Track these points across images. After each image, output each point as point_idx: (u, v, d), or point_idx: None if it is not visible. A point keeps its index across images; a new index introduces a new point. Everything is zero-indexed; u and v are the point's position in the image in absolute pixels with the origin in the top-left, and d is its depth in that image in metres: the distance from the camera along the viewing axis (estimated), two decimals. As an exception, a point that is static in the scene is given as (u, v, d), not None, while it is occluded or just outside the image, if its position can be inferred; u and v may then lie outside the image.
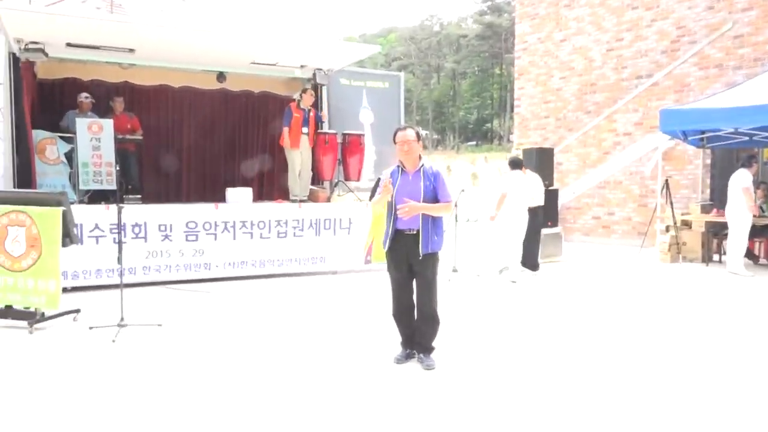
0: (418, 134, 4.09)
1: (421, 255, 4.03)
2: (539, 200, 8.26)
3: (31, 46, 7.46)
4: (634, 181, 12.39)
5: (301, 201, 8.57)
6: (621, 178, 12.60)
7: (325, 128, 9.08)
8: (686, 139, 9.82)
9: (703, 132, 9.58)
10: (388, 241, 4.11)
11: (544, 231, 9.44)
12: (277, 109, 9.93)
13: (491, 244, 9.87)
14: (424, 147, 4.71)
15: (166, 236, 7.24)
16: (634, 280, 8.15)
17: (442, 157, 46.71)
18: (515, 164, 7.95)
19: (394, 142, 4.11)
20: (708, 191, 11.11)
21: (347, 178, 9.27)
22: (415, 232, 4.06)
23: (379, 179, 7.02)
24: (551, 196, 9.76)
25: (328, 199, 8.96)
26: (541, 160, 9.99)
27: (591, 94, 13.24)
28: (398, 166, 4.16)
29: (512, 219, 7.77)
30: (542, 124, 14.11)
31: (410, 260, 4.10)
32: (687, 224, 10.00)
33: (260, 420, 3.36)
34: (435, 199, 4.09)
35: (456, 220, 8.57)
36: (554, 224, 10.06)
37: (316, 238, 8.13)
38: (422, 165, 4.10)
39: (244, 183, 9.57)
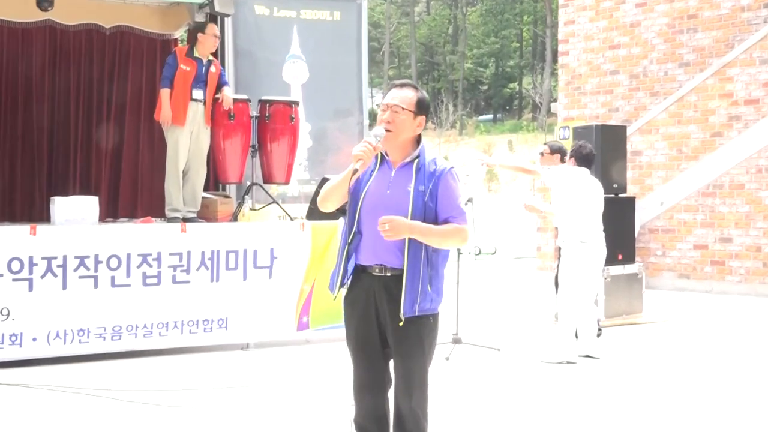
0: (420, 103, 4.16)
1: (402, 318, 4.01)
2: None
3: None
4: (765, 183, 12.55)
5: (187, 220, 8.58)
6: (742, 179, 12.76)
7: (230, 92, 9.05)
8: None
9: None
10: (340, 282, 4.15)
11: (611, 270, 9.53)
12: (145, 57, 9.99)
13: (520, 291, 10.33)
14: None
15: (-61, 285, 7.17)
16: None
17: (434, 142, 46.55)
18: (585, 159, 8.23)
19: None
20: None
21: (268, 179, 9.25)
22: (390, 275, 4.08)
23: (324, 180, 7.32)
24: (623, 209, 9.77)
25: (235, 217, 8.94)
26: (607, 147, 9.91)
27: (690, 32, 13.31)
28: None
29: (586, 252, 7.99)
30: (606, 84, 14.10)
31: (382, 324, 4.11)
32: None
33: None
34: (433, 219, 4.09)
35: (458, 253, 8.55)
36: (629, 258, 10.05)
37: (213, 285, 8.17)
38: (418, 156, 4.15)
39: (86, 188, 9.52)
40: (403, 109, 4.07)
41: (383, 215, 3.94)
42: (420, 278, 4.01)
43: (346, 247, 4.12)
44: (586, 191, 8.07)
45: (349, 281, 4.13)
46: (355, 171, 3.98)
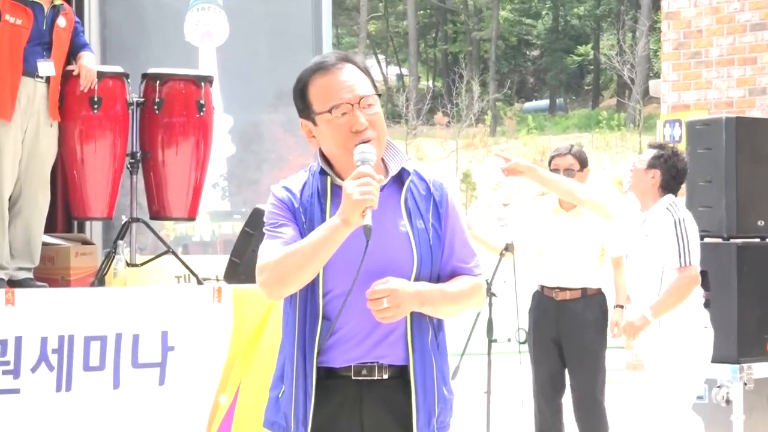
0: (368, 72, 3.56)
1: None
2: None
3: None
4: None
5: (17, 283, 7.49)
6: None
7: (92, 60, 7.76)
8: None
9: None
10: (311, 411, 3.43)
11: (755, 369, 8.89)
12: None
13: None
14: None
15: None
16: None
17: (447, 147, 43.53)
18: (677, 178, 7.53)
19: (300, 96, 3.53)
20: None
21: (158, 212, 8.09)
22: (388, 378, 3.43)
23: (258, 211, 7.31)
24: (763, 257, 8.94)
25: (100, 278, 7.82)
26: (744, 155, 8.86)
27: None
28: (322, 173, 3.51)
29: (710, 344, 7.37)
30: (744, 47, 13.44)
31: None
32: None
33: None
34: (438, 269, 3.51)
35: (490, 341, 7.91)
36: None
37: (61, 397, 7.07)
38: (402, 170, 3.57)
39: None
40: (376, 96, 3.52)
41: (371, 277, 3.31)
42: (434, 375, 3.49)
43: (315, 343, 3.38)
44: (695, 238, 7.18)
45: (313, 401, 3.42)
46: (367, 228, 3.21)
